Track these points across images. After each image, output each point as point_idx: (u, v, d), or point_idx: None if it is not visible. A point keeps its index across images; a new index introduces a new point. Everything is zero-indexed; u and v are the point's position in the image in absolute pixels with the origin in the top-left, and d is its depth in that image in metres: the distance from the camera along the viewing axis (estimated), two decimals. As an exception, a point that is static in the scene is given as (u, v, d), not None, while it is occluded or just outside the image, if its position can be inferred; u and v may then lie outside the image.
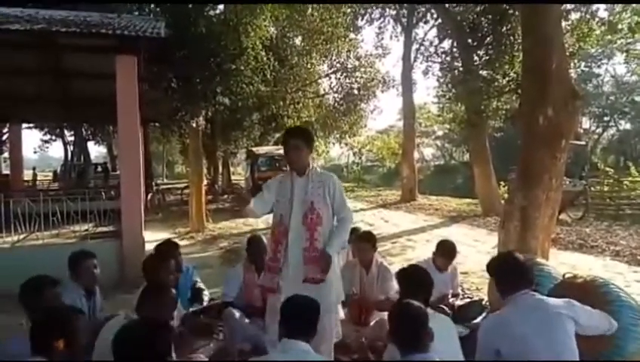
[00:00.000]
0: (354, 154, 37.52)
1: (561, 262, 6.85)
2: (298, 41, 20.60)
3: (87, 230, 7.65)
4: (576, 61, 15.68)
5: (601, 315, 2.76)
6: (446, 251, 4.43)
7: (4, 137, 27.64)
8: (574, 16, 12.97)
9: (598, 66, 33.38)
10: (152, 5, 13.81)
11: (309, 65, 21.40)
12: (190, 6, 11.32)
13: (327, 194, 3.19)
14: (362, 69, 23.53)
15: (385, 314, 4.05)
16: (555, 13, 5.20)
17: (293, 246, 3.13)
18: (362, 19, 20.71)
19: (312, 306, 2.50)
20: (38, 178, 23.86)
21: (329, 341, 3.17)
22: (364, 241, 4.25)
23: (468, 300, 4.72)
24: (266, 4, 11.79)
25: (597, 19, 12.88)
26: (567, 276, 3.40)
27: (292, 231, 3.13)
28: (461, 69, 14.22)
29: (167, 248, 4.22)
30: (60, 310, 2.50)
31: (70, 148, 34.99)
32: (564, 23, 9.34)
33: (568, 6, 12.47)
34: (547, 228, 4.98)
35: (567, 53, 8.34)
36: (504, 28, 12.80)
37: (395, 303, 2.59)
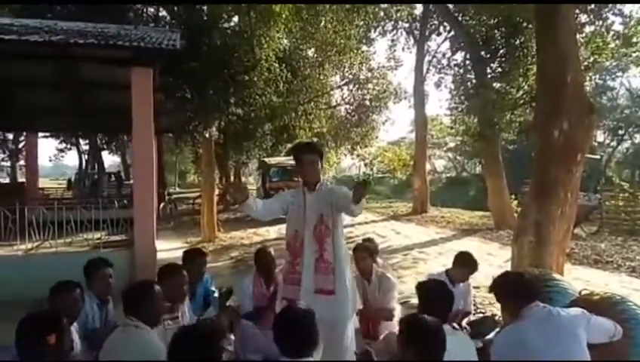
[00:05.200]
0: (365, 165, 37.46)
1: (576, 278, 6.75)
2: (311, 52, 20.75)
3: (99, 238, 7.70)
4: (591, 74, 15.57)
5: (607, 321, 2.74)
6: (465, 261, 4.26)
7: (21, 145, 28.14)
8: (589, 29, 12.92)
9: (613, 79, 33.05)
10: (168, 17, 14.03)
11: (321, 77, 21.51)
12: (205, 18, 11.47)
13: (334, 202, 3.21)
14: (374, 81, 23.63)
15: (393, 327, 4.04)
16: (569, 26, 5.18)
17: (307, 258, 3.22)
18: (375, 32, 20.87)
19: (305, 317, 2.30)
20: (49, 186, 23.89)
21: (347, 351, 3.19)
22: (361, 251, 4.23)
23: (480, 315, 4.65)
24: (280, 17, 11.88)
25: (612, 32, 12.80)
26: (583, 292, 3.34)
27: (306, 244, 3.22)
28: (474, 81, 14.20)
29: (195, 256, 4.24)
30: (47, 310, 2.56)
31: (85, 156, 35.43)
32: (578, 37, 9.29)
33: (583, 19, 12.43)
34: (562, 243, 4.92)
35: (582, 67, 8.28)
36: (517, 41, 12.79)
37: (410, 317, 2.48)
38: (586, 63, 12.00)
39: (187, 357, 2.04)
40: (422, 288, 2.97)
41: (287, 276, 3.34)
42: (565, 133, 4.74)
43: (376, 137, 26.93)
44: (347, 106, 25.05)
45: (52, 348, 2.18)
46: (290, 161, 19.60)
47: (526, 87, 12.54)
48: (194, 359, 2.04)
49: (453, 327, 3.65)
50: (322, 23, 17.82)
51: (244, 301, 4.19)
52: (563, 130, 4.75)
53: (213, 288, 4.56)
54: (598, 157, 15.58)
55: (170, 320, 3.21)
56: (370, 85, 23.68)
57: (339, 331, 3.15)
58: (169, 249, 9.69)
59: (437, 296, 2.79)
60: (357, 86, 24.16)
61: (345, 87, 24.90)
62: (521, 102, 12.91)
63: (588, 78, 15.22)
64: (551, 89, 5.03)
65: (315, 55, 20.81)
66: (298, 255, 3.25)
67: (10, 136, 30.03)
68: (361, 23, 18.73)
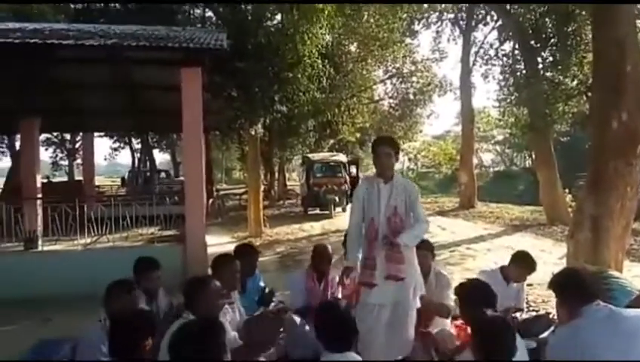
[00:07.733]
0: (409, 160, 37.13)
1: (636, 275, 6.42)
2: (353, 47, 20.67)
3: (153, 233, 8.00)
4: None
5: None
6: (524, 261, 4.11)
7: (78, 145, 29.55)
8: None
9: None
10: (214, 18, 14.33)
11: (364, 72, 21.41)
12: (249, 17, 11.64)
13: (408, 200, 3.50)
14: (418, 74, 23.30)
15: (444, 324, 3.99)
16: (628, 12, 4.93)
17: (380, 246, 3.43)
18: (419, 24, 20.47)
19: (344, 311, 2.51)
20: (104, 184, 24.43)
21: (409, 334, 3.49)
22: (423, 249, 4.17)
23: (533, 313, 4.51)
24: (322, 13, 11.89)
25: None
26: (645, 291, 3.19)
27: (380, 233, 3.45)
28: (524, 71, 13.73)
29: (247, 251, 4.32)
30: (143, 311, 2.64)
31: (137, 155, 36.78)
32: (637, 22, 8.79)
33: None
34: (621, 238, 4.72)
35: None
36: (569, 28, 12.23)
37: (483, 316, 2.47)
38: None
39: (188, 352, 1.99)
40: (463, 290, 2.98)
41: (367, 261, 3.48)
42: (625, 124, 4.54)
43: (421, 131, 26.69)
44: (390, 100, 24.87)
45: (147, 353, 2.27)
46: (334, 156, 19.67)
47: (581, 76, 12.00)
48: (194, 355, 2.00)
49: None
50: (365, 17, 17.71)
51: (296, 296, 4.23)
52: (622, 120, 4.55)
53: (262, 284, 4.65)
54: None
55: (227, 304, 3.33)
56: (414, 78, 23.37)
57: (401, 311, 3.44)
58: (218, 244, 9.94)
59: (479, 298, 2.77)
60: (400, 80, 23.90)
61: (388, 81, 24.70)
62: (576, 92, 12.37)
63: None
64: (609, 78, 4.81)
65: (358, 50, 20.71)
66: (374, 240, 3.45)
67: (68, 136, 31.60)
68: (405, 15, 18.46)
